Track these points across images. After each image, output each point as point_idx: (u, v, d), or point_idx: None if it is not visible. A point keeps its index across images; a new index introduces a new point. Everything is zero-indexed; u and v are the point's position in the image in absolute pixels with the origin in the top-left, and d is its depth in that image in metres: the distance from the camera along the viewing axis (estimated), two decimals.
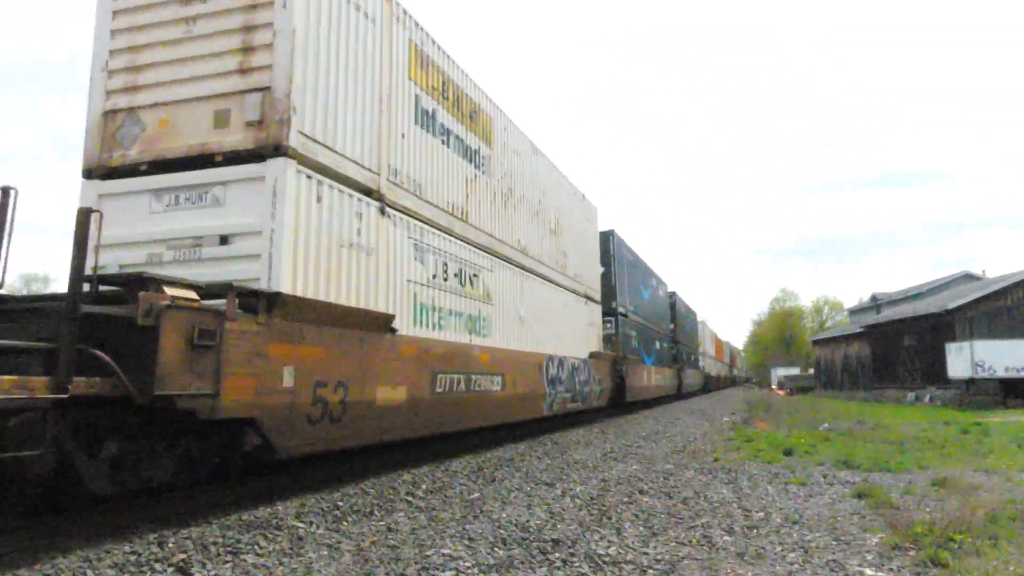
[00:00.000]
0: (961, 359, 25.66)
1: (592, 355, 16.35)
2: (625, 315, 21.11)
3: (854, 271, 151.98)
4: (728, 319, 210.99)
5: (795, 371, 69.41)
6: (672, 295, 34.32)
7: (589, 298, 17.02)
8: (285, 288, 5.99)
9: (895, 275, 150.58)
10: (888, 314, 40.66)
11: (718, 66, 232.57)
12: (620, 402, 19.39)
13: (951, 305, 29.31)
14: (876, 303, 52.83)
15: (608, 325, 19.28)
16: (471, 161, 10.39)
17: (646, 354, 23.87)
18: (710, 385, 51.25)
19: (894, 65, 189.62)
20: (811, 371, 58.93)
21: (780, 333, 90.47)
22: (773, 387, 68.26)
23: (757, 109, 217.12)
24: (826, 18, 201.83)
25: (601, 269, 18.85)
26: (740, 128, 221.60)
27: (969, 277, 46.16)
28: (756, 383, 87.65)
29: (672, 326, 32.79)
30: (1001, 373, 24.82)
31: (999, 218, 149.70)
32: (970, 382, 25.99)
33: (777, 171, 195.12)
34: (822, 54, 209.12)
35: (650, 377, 24.18)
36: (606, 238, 19.89)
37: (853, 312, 60.46)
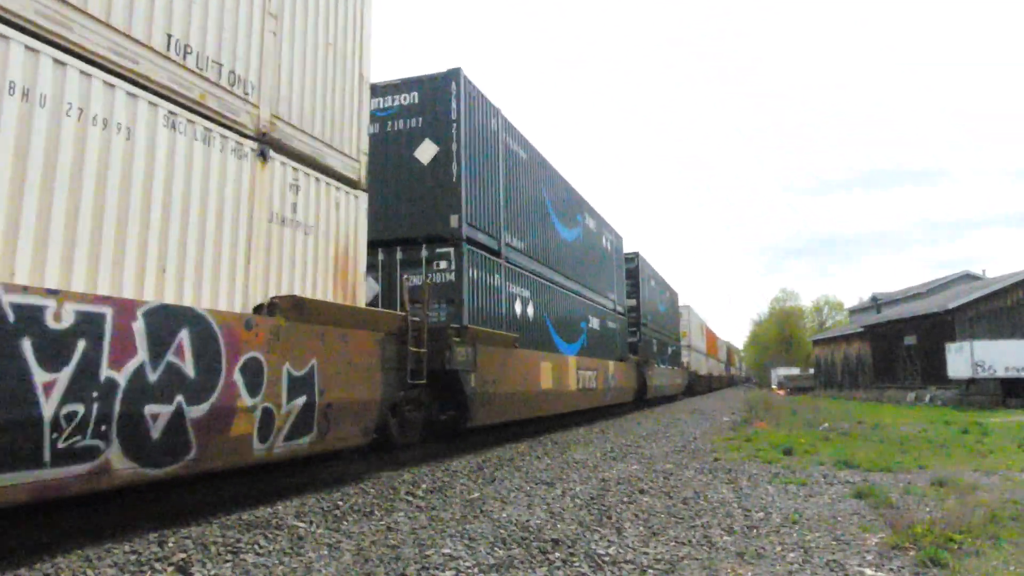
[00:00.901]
0: (961, 359, 25.66)
1: (279, 307, 5.98)
2: (495, 251, 11.73)
3: (854, 271, 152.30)
4: (728, 319, 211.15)
5: (795, 371, 69.39)
6: (634, 258, 24.84)
7: (299, 158, 6.76)
8: None
9: (895, 275, 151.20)
10: (888, 314, 40.64)
11: (719, 65, 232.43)
12: (461, 428, 9.93)
13: (951, 305, 29.31)
14: (876, 303, 52.84)
15: (442, 262, 10.29)
16: None
17: (562, 336, 15.08)
18: (698, 386, 42.58)
19: (894, 64, 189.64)
20: (811, 371, 58.95)
21: (780, 333, 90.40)
22: (773, 387, 68.26)
23: (759, 108, 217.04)
24: (832, 17, 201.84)
25: (417, 139, 10.71)
26: (741, 127, 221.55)
27: (969, 277, 46.21)
28: (756, 383, 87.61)
29: (633, 302, 24.08)
30: (1001, 373, 24.83)
31: (999, 218, 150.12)
32: (970, 382, 26.01)
33: (778, 171, 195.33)
34: (823, 53, 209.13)
35: (563, 375, 14.37)
36: (441, 86, 10.78)
37: (853, 312, 60.50)
